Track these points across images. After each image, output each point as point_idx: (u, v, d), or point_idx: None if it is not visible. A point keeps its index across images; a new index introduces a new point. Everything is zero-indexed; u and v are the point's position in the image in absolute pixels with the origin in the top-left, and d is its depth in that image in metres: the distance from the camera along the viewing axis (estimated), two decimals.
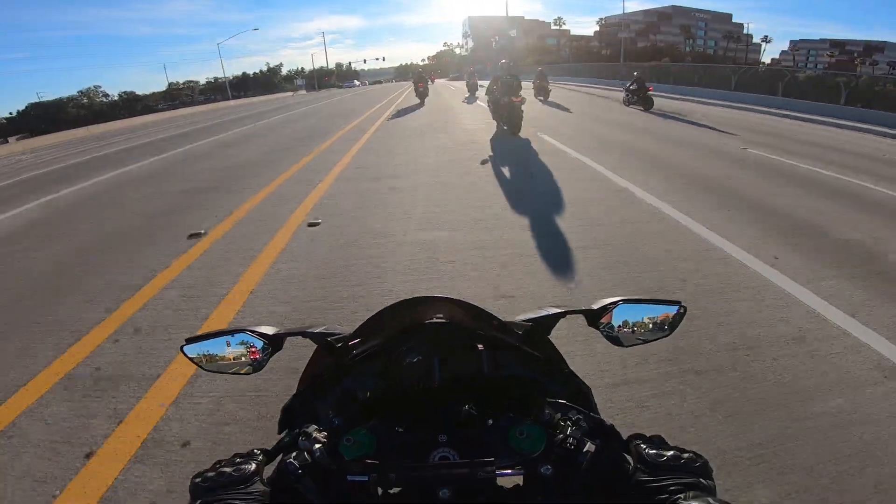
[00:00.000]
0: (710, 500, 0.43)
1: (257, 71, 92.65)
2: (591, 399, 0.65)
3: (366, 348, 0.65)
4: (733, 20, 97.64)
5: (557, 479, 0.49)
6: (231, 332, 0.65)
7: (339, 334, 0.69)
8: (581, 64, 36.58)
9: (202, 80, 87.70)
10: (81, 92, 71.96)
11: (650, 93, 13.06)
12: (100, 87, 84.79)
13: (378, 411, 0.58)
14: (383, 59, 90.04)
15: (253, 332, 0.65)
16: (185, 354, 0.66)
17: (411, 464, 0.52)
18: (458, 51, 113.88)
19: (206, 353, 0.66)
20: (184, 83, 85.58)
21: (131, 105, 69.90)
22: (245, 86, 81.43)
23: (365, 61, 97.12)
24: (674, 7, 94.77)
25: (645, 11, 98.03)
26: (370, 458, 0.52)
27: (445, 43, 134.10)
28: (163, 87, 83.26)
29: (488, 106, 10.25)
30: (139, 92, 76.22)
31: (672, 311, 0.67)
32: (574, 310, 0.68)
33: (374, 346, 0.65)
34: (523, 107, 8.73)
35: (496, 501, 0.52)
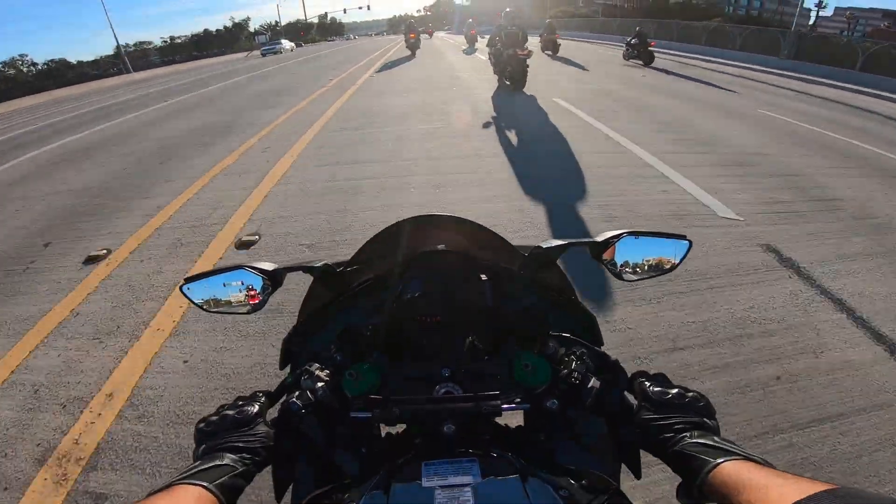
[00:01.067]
0: (716, 438, 0.44)
1: (221, 27, 74.69)
2: (595, 328, 0.64)
3: (365, 279, 0.64)
4: None
5: (562, 414, 0.50)
6: (229, 270, 0.61)
7: (339, 264, 0.68)
8: (603, 19, 32.83)
9: (157, 41, 74.65)
10: (5, 63, 58.72)
11: (651, 48, 12.64)
12: (26, 55, 68.78)
13: (380, 345, 0.58)
14: (367, 8, 61.89)
15: (252, 268, 0.60)
16: (185, 294, 0.63)
17: (415, 398, 0.52)
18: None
19: (204, 292, 0.62)
20: (134, 45, 70.55)
21: (61, 74, 56.82)
22: (207, 44, 69.65)
23: (345, 11, 70.47)
24: None
25: None
26: (374, 394, 0.52)
27: None
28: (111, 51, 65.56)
29: (489, 59, 9.14)
30: (74, 59, 63.90)
31: (677, 244, 0.62)
32: (578, 241, 0.63)
33: (374, 277, 0.64)
34: (529, 61, 7.67)
35: (503, 438, 0.54)
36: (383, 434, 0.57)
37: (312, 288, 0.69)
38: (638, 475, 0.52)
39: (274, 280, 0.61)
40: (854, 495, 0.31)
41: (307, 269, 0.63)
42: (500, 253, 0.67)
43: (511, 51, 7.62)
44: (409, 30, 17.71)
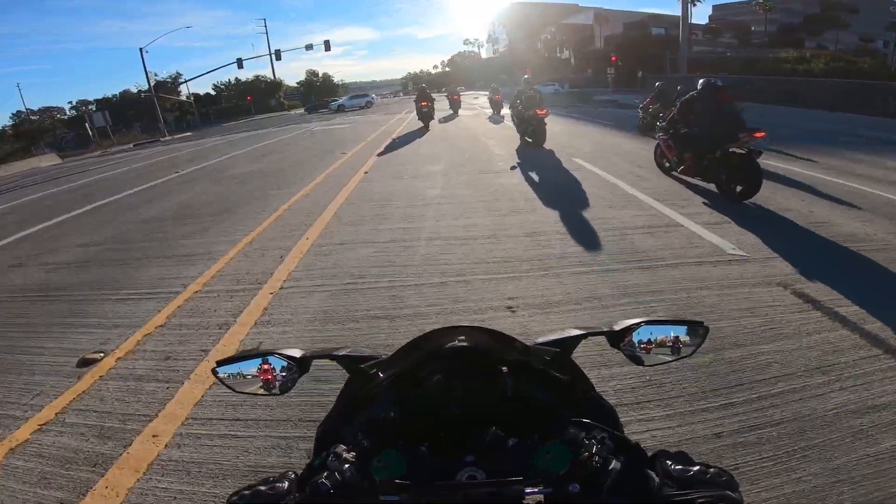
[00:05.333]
0: None
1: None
2: (616, 419, 0.67)
3: (392, 372, 0.69)
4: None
5: (584, 497, 0.51)
6: (260, 355, 0.69)
7: (366, 356, 0.72)
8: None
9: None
10: None
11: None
12: None
13: (405, 433, 0.60)
14: (321, 47, 38.58)
15: (281, 354, 0.68)
16: (217, 376, 0.70)
17: (442, 482, 0.54)
18: (483, 52, 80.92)
19: (236, 375, 0.70)
20: (38, 111, 49.65)
21: None
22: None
23: (278, 56, 39.85)
24: None
25: None
26: (400, 478, 0.53)
27: (466, 40, 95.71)
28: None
29: (512, 120, 10.75)
30: None
31: (693, 331, 0.68)
32: (596, 331, 0.70)
33: (400, 369, 0.69)
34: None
35: None
36: None
37: (347, 382, 0.74)
38: None
39: (301, 365, 0.69)
40: None
41: (333, 357, 0.70)
42: (520, 351, 0.70)
43: (532, 112, 9.11)
44: (421, 97, 14.30)
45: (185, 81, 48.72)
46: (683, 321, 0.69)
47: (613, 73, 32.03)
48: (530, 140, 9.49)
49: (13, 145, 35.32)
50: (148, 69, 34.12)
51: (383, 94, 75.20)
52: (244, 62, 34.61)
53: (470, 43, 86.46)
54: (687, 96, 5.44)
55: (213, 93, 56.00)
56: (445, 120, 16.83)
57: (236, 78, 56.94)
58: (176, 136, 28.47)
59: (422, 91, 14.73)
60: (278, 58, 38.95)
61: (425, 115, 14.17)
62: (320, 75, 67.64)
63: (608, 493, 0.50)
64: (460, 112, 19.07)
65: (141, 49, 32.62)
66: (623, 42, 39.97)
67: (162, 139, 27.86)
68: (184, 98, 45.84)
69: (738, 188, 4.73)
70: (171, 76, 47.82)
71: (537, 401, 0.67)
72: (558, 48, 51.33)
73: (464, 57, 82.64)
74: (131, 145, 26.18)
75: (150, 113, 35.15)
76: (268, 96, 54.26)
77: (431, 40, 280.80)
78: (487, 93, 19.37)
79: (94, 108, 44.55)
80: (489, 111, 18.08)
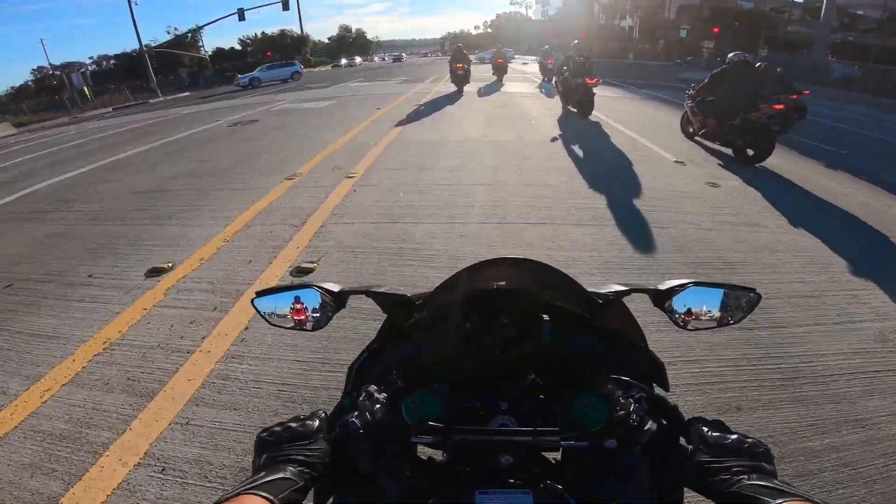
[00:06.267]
0: (776, 481, 0.44)
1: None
2: (663, 375, 0.65)
3: (430, 313, 0.67)
4: None
5: (617, 454, 0.51)
6: (298, 287, 0.67)
7: (403, 295, 0.69)
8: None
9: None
10: None
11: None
12: None
13: (440, 375, 0.59)
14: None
15: (320, 287, 0.66)
16: (256, 308, 0.68)
17: (476, 427, 0.53)
18: (531, 13, 72.54)
19: (274, 307, 0.68)
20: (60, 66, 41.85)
21: None
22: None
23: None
24: None
25: None
26: (432, 421, 0.52)
27: (513, 0, 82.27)
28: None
29: (556, 87, 9.86)
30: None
31: (745, 296, 0.63)
32: (641, 288, 0.66)
33: (439, 309, 0.66)
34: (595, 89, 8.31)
35: (552, 471, 0.54)
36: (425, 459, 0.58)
37: (387, 318, 0.72)
38: None
39: (339, 300, 0.67)
40: None
41: (370, 294, 0.67)
42: (565, 294, 0.67)
43: (581, 79, 8.28)
44: (457, 58, 12.54)
45: (192, 35, 42.94)
46: (734, 286, 0.63)
47: (713, 48, 27.08)
48: (574, 110, 8.79)
49: None
50: (168, 23, 31.38)
51: (423, 52, 70.95)
52: (246, 12, 28.82)
53: (517, 3, 77.79)
54: (718, 69, 5.99)
55: (238, 47, 53.43)
56: (485, 92, 13.20)
57: (263, 32, 54.37)
58: (169, 98, 24.49)
59: (457, 51, 12.87)
60: (285, 7, 30.31)
61: (460, 79, 12.61)
62: (353, 31, 63.94)
63: (641, 453, 0.50)
64: (505, 80, 15.61)
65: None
66: (699, 14, 32.27)
67: (151, 101, 23.78)
68: (203, 54, 42.87)
69: (751, 152, 5.44)
70: (189, 30, 44.82)
71: (577, 350, 0.65)
72: (619, 15, 46.49)
73: (509, 19, 75.26)
74: (109, 109, 22.05)
75: (168, 68, 32.91)
76: (294, 52, 51.36)
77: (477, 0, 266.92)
78: (538, 57, 17.02)
79: (113, 63, 43.32)
80: (539, 79, 15.92)
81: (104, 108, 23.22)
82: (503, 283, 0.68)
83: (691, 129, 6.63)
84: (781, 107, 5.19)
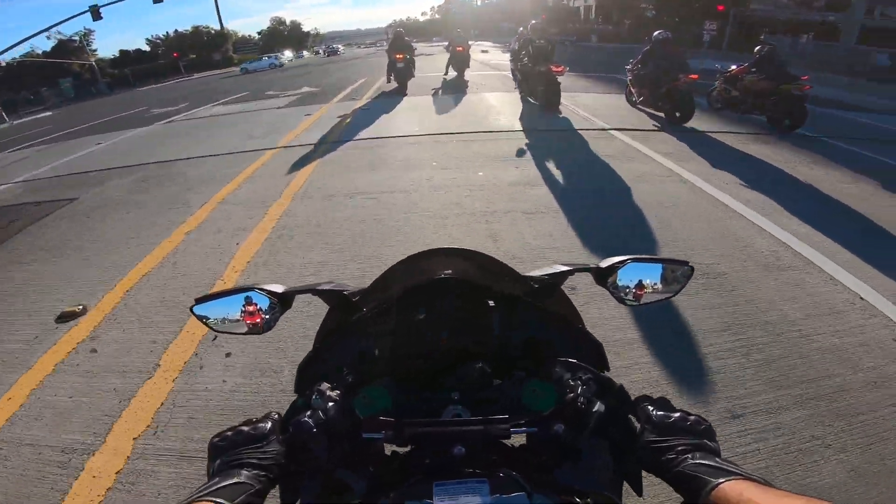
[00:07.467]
0: (718, 459, 0.46)
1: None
2: (602, 354, 0.66)
3: (376, 305, 0.67)
4: None
5: (567, 437, 0.52)
6: (239, 291, 0.63)
7: (349, 290, 0.70)
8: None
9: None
10: None
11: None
12: None
13: (390, 369, 0.61)
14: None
15: (262, 290, 0.62)
16: (195, 314, 0.64)
17: (426, 420, 0.54)
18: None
19: (223, 313, 0.64)
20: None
21: None
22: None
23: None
24: None
25: None
26: (384, 416, 0.53)
27: None
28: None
29: (513, 76, 8.67)
30: None
31: (679, 269, 0.65)
32: (582, 267, 0.67)
33: (384, 302, 0.66)
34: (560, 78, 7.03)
35: (509, 458, 0.55)
36: (388, 454, 0.58)
37: (328, 314, 0.73)
38: (640, 493, 0.53)
39: (283, 301, 0.63)
40: None
41: (315, 292, 0.66)
42: (507, 281, 0.70)
43: (543, 67, 6.97)
44: (397, 45, 9.74)
45: (81, 39, 37.78)
46: (669, 259, 0.65)
47: (716, 31, 21.04)
48: (536, 102, 7.48)
49: None
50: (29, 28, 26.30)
51: (367, 43, 65.36)
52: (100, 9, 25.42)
53: None
54: (647, 47, 6.91)
55: (146, 49, 47.34)
56: (447, 90, 9.86)
57: (175, 30, 48.21)
58: (23, 121, 18.11)
59: (397, 37, 9.79)
60: (95, 17, 26.47)
61: (401, 73, 9.66)
62: (288, 23, 57.65)
63: (591, 435, 0.51)
64: (468, 74, 11.57)
65: None
66: None
67: None
68: (94, 60, 37.51)
69: (678, 114, 6.39)
70: (78, 34, 39.57)
71: (524, 336, 0.66)
72: None
73: (461, 3, 71.71)
74: None
75: (52, 79, 28.81)
76: (212, 50, 46.16)
77: None
78: (511, 43, 12.62)
79: None
80: (508, 72, 10.98)
81: None
82: (448, 272, 0.68)
83: (633, 99, 7.47)
84: (696, 76, 6.14)
